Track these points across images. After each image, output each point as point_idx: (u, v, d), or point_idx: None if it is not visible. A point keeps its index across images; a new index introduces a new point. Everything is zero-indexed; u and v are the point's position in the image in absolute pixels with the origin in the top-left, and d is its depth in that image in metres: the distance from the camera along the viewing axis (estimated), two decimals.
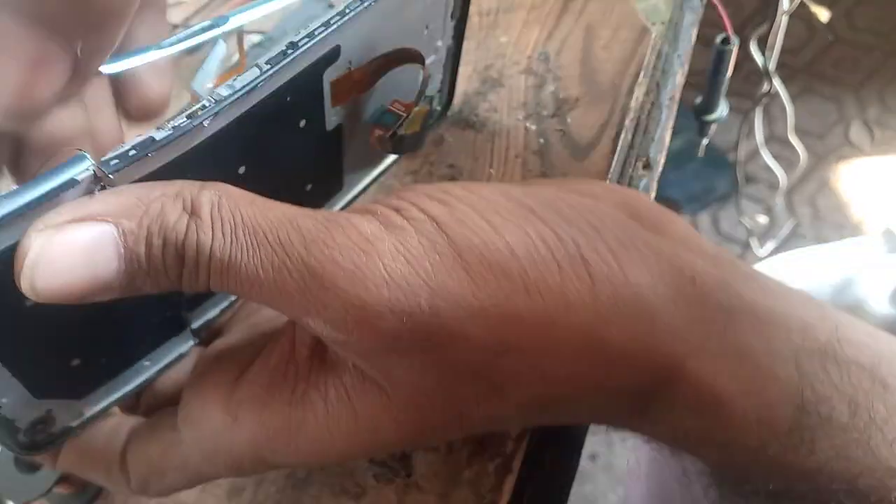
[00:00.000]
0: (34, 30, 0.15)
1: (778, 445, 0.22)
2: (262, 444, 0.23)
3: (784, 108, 0.97)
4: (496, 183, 0.23)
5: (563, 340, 0.21)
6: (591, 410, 0.23)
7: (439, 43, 0.32)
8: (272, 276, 0.20)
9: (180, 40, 0.23)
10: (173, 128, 0.20)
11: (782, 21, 0.74)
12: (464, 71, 0.48)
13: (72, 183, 0.18)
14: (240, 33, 0.23)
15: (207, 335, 0.29)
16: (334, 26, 0.24)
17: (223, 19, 0.24)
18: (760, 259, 1.42)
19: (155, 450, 0.26)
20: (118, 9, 0.17)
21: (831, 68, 1.74)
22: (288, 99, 0.25)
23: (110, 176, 0.19)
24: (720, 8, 0.48)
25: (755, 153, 1.57)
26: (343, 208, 0.35)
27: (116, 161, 0.19)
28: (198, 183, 0.20)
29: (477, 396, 0.22)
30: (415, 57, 0.29)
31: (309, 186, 0.31)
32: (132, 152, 0.19)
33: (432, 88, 0.34)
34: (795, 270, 0.52)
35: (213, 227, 0.19)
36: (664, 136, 0.44)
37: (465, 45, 0.50)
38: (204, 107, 0.21)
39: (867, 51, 1.73)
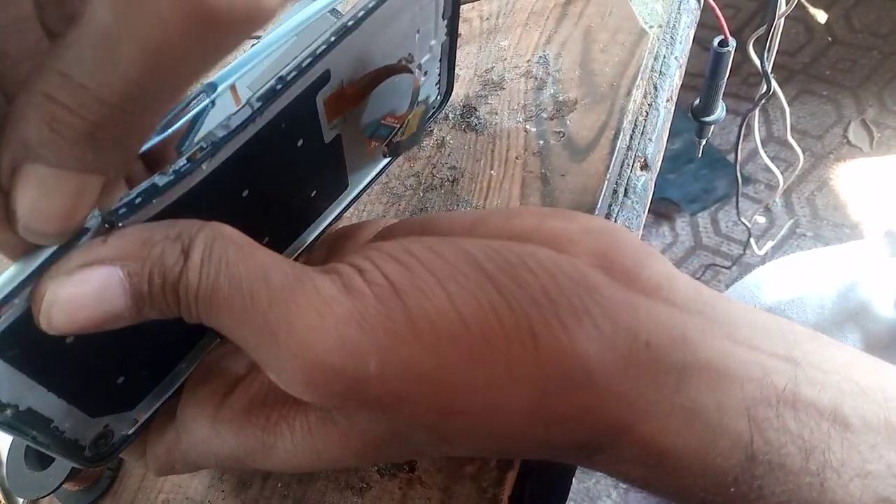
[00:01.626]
0: (72, 173, 0.18)
1: (725, 493, 0.23)
2: (241, 457, 0.26)
3: (782, 110, 0.98)
4: (464, 241, 0.24)
5: (506, 407, 0.22)
6: (540, 455, 0.25)
7: (433, 42, 0.33)
8: (239, 324, 0.21)
9: (173, 121, 0.24)
10: (174, 172, 0.22)
11: (780, 23, 0.75)
12: (465, 74, 0.49)
13: (84, 231, 0.21)
14: (232, 86, 0.23)
15: None
16: (322, 56, 0.25)
17: (212, 87, 0.25)
18: (760, 257, 1.43)
19: (162, 448, 0.29)
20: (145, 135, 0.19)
21: (829, 69, 1.74)
22: (283, 125, 0.26)
23: (119, 224, 0.21)
24: (718, 10, 0.48)
25: (754, 154, 1.58)
26: (350, 204, 0.36)
27: (124, 209, 0.21)
28: (197, 224, 0.22)
29: (428, 444, 0.24)
30: (403, 70, 0.30)
31: (314, 193, 0.32)
32: (137, 200, 0.21)
33: (430, 84, 0.35)
34: (799, 274, 0.53)
35: (200, 271, 0.21)
36: (662, 136, 0.45)
37: (466, 49, 0.51)
38: (202, 149, 0.22)
39: (865, 52, 1.74)
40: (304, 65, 0.24)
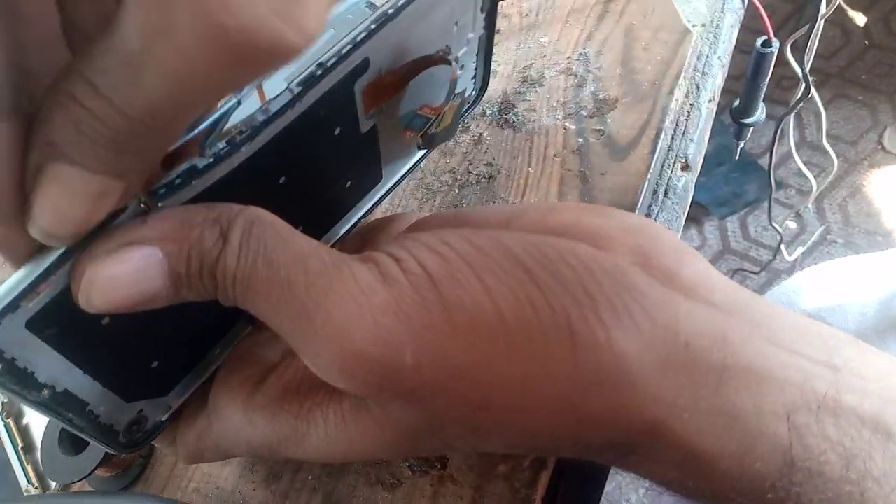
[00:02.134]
0: (92, 175, 0.18)
1: (762, 499, 0.22)
2: (273, 445, 0.26)
3: (817, 114, 0.96)
4: (501, 233, 0.23)
5: (541, 403, 0.22)
6: (573, 453, 0.24)
7: (471, 35, 0.32)
8: (275, 309, 0.21)
9: (199, 121, 0.24)
10: (213, 155, 0.22)
11: (820, 25, 0.74)
12: (503, 70, 0.49)
13: (121, 210, 0.21)
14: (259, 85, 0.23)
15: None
16: (362, 44, 0.24)
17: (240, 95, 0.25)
18: (789, 263, 1.41)
19: (192, 435, 0.29)
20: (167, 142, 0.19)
21: (866, 74, 1.71)
22: (321, 113, 0.25)
23: (158, 205, 0.21)
24: (762, 10, 0.48)
25: (786, 158, 1.56)
26: (383, 197, 0.35)
27: (164, 190, 0.21)
28: (236, 207, 0.22)
29: (461, 438, 0.24)
30: (441, 61, 0.30)
31: (348, 184, 0.32)
32: (177, 181, 0.21)
33: (466, 77, 0.35)
34: (839, 281, 0.52)
35: (238, 255, 0.21)
36: (703, 137, 0.44)
37: (505, 45, 0.50)
38: (241, 132, 0.22)
39: None
40: (343, 52, 0.24)
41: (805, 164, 0.91)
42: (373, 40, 0.25)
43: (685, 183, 0.43)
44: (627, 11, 0.47)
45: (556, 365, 0.21)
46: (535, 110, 0.46)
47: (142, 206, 0.21)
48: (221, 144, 0.22)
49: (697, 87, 0.45)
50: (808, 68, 0.60)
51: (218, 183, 0.23)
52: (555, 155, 0.43)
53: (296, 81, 0.23)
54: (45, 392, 0.22)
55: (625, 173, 0.41)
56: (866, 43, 1.75)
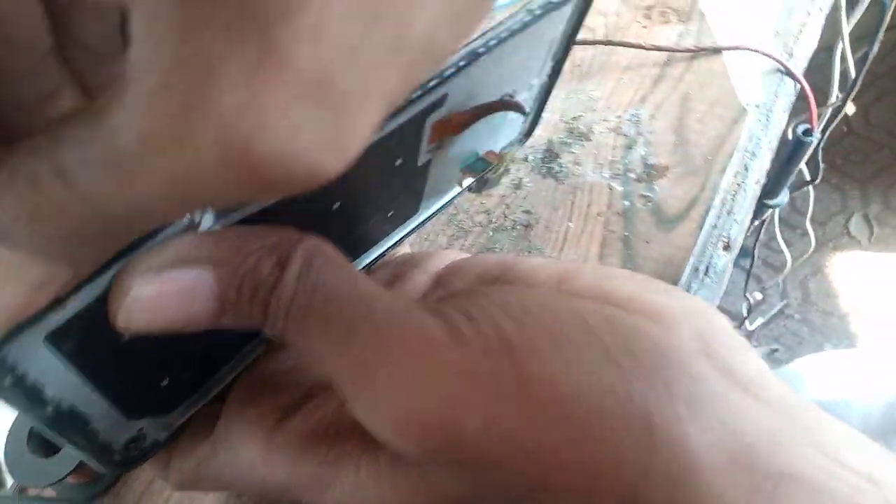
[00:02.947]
0: (38, 261, 0.15)
1: None
2: (289, 489, 0.24)
3: (804, 196, 0.98)
4: (576, 301, 0.22)
5: (605, 491, 0.21)
6: None
7: (535, 81, 0.32)
8: (331, 352, 0.20)
9: None
10: None
11: (826, 114, 0.75)
12: (549, 118, 0.48)
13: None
14: None
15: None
16: (449, 79, 0.24)
17: None
18: (747, 331, 1.44)
19: (191, 463, 0.27)
20: (139, 228, 0.16)
21: (841, 159, 1.77)
22: (393, 142, 0.25)
23: (211, 221, 0.20)
24: (811, 100, 0.48)
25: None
26: (414, 230, 0.35)
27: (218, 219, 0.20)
28: (296, 235, 0.20)
29: None
30: (517, 107, 0.29)
31: (390, 213, 0.31)
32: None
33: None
34: (843, 374, 0.52)
35: (296, 287, 0.19)
36: (746, 218, 0.44)
37: (554, 94, 0.49)
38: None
39: (878, 148, 1.77)
40: (430, 85, 0.23)
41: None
42: (457, 77, 0.24)
43: (725, 263, 0.42)
44: (685, 80, 0.47)
45: (630, 454, 0.20)
46: (580, 164, 0.45)
47: (192, 219, 0.20)
48: None
49: (746, 168, 0.44)
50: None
51: (274, 205, 0.21)
52: (598, 214, 0.42)
53: None
54: (50, 409, 0.20)
55: (670, 245, 0.40)
56: (845, 129, 1.81)
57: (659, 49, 0.48)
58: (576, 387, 0.20)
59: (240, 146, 0.12)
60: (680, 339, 0.23)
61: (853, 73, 0.65)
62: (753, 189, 0.44)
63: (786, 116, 0.48)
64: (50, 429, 0.20)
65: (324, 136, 0.13)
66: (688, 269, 0.40)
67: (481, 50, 0.24)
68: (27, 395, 0.19)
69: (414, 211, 0.34)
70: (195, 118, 0.11)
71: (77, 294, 0.18)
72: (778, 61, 0.47)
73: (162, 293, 0.18)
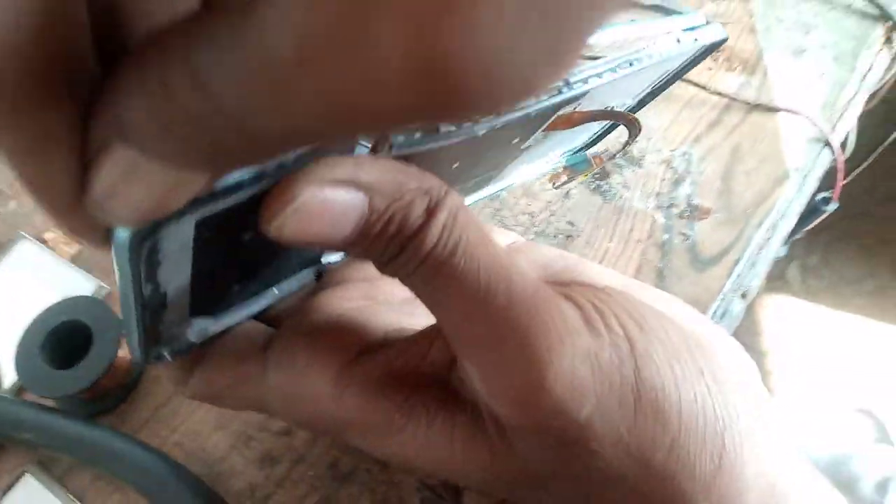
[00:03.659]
0: (166, 165, 0.14)
1: None
2: (352, 429, 0.24)
3: None
4: (679, 321, 0.24)
5: (669, 498, 0.22)
6: None
7: (629, 101, 0.33)
8: (464, 310, 0.20)
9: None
10: (454, 127, 0.21)
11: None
12: (607, 137, 0.49)
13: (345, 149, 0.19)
14: None
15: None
16: (600, 77, 0.24)
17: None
18: None
19: (225, 379, 0.25)
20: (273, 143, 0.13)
21: None
22: (528, 121, 0.25)
23: (384, 151, 0.20)
24: (841, 173, 0.51)
25: None
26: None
27: (402, 140, 0.20)
28: (445, 186, 0.20)
29: (568, 499, 0.23)
30: (630, 122, 0.30)
31: (471, 183, 0.32)
32: (417, 135, 0.20)
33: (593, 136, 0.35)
34: (795, 430, 0.56)
35: (440, 236, 0.19)
36: (763, 273, 0.47)
37: None
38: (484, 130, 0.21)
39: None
40: (587, 78, 0.24)
41: None
42: (610, 79, 0.24)
43: (739, 310, 0.45)
44: (739, 130, 0.49)
45: (700, 472, 0.22)
46: (628, 188, 0.46)
47: (364, 146, 0.19)
48: (451, 127, 0.21)
49: (775, 227, 0.47)
50: None
51: (424, 153, 0.21)
52: (638, 240, 0.44)
53: (578, 79, 0.23)
54: (150, 289, 0.19)
55: (701, 286, 0.42)
56: None
57: (720, 94, 0.50)
58: (679, 401, 0.22)
59: (439, 50, 0.09)
60: (740, 372, 0.25)
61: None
62: (776, 247, 0.47)
63: (817, 184, 0.50)
64: (135, 306, 0.20)
65: (542, 45, 0.10)
66: (709, 312, 0.42)
67: (634, 62, 0.25)
68: (148, 267, 0.18)
69: (486, 184, 0.34)
70: (376, 14, 0.09)
71: (235, 193, 0.17)
72: (824, 132, 0.49)
73: (321, 208, 0.18)
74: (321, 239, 0.19)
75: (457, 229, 0.19)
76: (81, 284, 0.45)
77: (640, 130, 0.30)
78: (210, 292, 0.23)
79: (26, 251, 0.46)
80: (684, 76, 0.31)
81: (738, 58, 0.52)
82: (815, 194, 0.56)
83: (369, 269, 0.26)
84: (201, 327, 0.24)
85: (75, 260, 0.47)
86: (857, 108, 0.53)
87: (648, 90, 0.32)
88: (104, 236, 0.16)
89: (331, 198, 0.18)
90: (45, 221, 0.48)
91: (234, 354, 0.25)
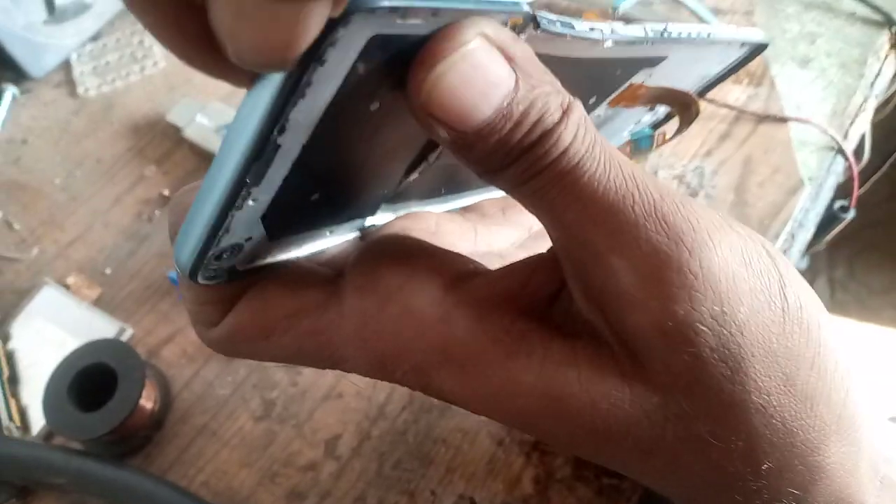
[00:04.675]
0: None
1: None
2: (450, 360, 0.20)
3: None
4: None
5: (808, 427, 0.20)
6: None
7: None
8: (612, 197, 0.18)
9: None
10: (590, 28, 0.20)
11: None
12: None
13: (511, 6, 0.17)
14: None
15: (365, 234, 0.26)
16: (681, 41, 0.23)
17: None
18: None
19: (283, 305, 0.21)
20: None
21: None
22: (611, 69, 0.24)
23: (536, 31, 0.18)
24: (856, 180, 0.50)
25: None
26: None
27: (545, 22, 0.19)
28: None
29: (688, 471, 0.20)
30: (690, 105, 0.29)
31: None
32: (559, 24, 0.19)
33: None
34: None
35: (577, 132, 0.18)
36: None
37: None
38: (612, 31, 0.20)
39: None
40: (670, 35, 0.22)
41: None
42: (683, 47, 0.24)
43: None
44: (749, 142, 0.49)
45: (836, 397, 0.20)
46: None
47: (510, 25, 0.18)
48: (587, 28, 0.20)
49: (793, 237, 0.46)
50: None
51: (546, 57, 0.20)
52: None
53: (652, 27, 0.22)
54: (272, 144, 0.17)
55: None
56: None
57: (729, 107, 0.50)
58: (818, 313, 0.20)
59: None
60: None
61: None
62: (796, 257, 0.47)
63: (832, 193, 0.50)
64: (222, 198, 0.18)
65: None
66: None
67: (711, 34, 0.24)
68: (271, 128, 0.16)
69: None
70: None
71: (405, 16, 0.16)
72: (835, 140, 0.49)
73: (475, 74, 0.17)
74: (460, 114, 0.17)
75: (590, 128, 0.18)
76: (104, 327, 0.46)
77: (697, 114, 0.29)
78: (286, 205, 0.20)
79: (49, 296, 0.47)
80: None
81: (745, 70, 0.52)
82: (832, 203, 0.56)
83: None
84: (255, 247, 0.21)
85: (97, 303, 0.48)
86: (868, 114, 0.53)
87: (696, 90, 0.32)
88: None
89: (485, 63, 0.17)
90: (68, 266, 0.49)
91: (295, 281, 0.22)
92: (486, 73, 0.17)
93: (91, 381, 0.41)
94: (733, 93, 0.51)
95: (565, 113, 0.18)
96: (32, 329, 0.46)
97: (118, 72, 0.61)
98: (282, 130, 0.16)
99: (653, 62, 0.25)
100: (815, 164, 0.49)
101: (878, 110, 0.60)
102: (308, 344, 0.21)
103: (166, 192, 0.53)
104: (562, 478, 0.38)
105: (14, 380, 0.44)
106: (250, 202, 0.18)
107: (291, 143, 0.17)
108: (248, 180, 0.17)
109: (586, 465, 0.39)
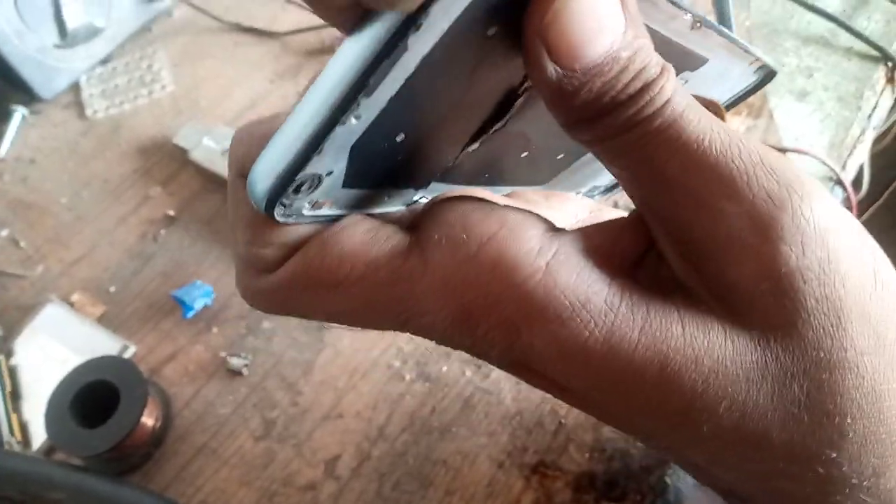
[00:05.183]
0: None
1: None
2: (543, 315, 0.19)
3: None
4: None
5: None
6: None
7: None
8: (719, 146, 0.17)
9: None
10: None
11: None
12: None
13: None
14: None
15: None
16: (729, 38, 0.23)
17: None
18: None
19: (361, 250, 0.20)
20: None
21: None
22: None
23: None
24: (854, 211, 0.51)
25: None
26: None
27: None
28: None
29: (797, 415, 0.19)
30: (717, 115, 0.29)
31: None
32: None
33: None
34: None
35: (676, 87, 0.18)
36: None
37: None
38: (693, 15, 0.21)
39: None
40: (715, 28, 0.22)
41: None
42: (723, 51, 0.24)
43: None
44: None
45: None
46: None
47: None
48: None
49: None
50: None
51: None
52: None
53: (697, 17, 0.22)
54: (369, 87, 0.17)
55: None
56: None
57: None
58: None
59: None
60: None
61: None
62: None
63: None
64: (373, 53, 0.17)
65: None
66: None
67: (744, 42, 0.24)
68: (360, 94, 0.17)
69: (541, 181, 0.33)
70: None
71: None
72: (833, 171, 0.50)
73: (593, 9, 0.17)
74: (576, 46, 0.17)
75: (686, 94, 0.18)
76: (107, 344, 0.46)
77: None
78: (372, 144, 0.19)
79: (54, 313, 0.47)
80: None
81: (744, 102, 0.53)
82: None
83: None
84: (327, 189, 0.20)
85: (101, 321, 0.48)
86: (866, 145, 0.54)
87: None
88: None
89: (601, 2, 0.17)
90: (72, 284, 0.50)
91: (371, 228, 0.20)
92: (604, 9, 0.17)
93: (93, 397, 0.41)
94: (733, 123, 0.52)
95: (664, 69, 0.17)
96: (36, 345, 0.46)
97: (126, 94, 0.62)
98: (417, 27, 0.16)
99: (696, 63, 0.25)
100: None
101: (876, 141, 0.61)
102: (383, 295, 0.20)
103: (171, 213, 0.53)
104: (561, 501, 0.38)
105: (16, 395, 0.44)
106: (353, 120, 0.18)
107: (415, 51, 0.17)
108: (370, 82, 0.16)
109: (586, 489, 0.39)
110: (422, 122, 0.21)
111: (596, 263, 0.19)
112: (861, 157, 0.54)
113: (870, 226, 0.20)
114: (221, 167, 0.54)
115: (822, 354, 0.18)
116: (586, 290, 0.19)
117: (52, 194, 0.56)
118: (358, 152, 0.19)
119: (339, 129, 0.17)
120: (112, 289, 0.50)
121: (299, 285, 0.20)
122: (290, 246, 0.20)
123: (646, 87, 0.17)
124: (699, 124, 0.17)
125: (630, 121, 0.17)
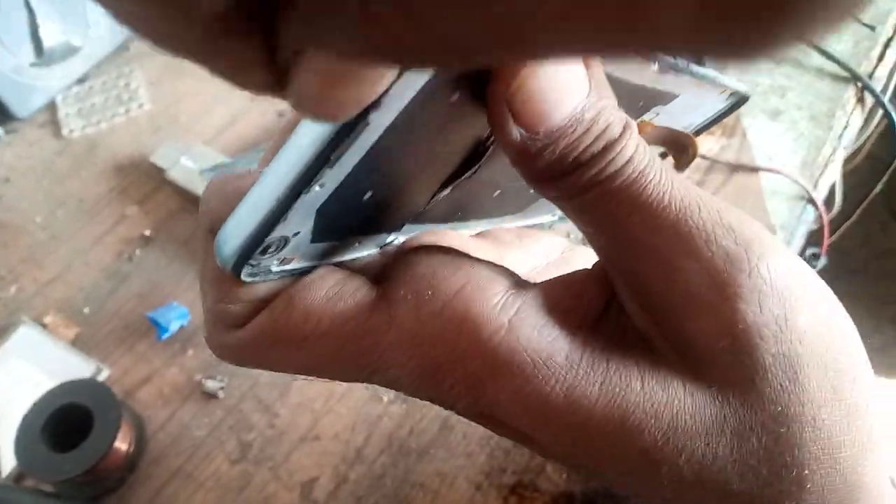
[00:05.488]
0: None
1: None
2: (505, 372, 0.19)
3: None
4: None
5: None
6: None
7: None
8: (678, 205, 0.18)
9: None
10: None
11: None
12: None
13: None
14: None
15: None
16: (685, 76, 0.24)
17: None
18: None
19: (326, 304, 0.20)
20: None
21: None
22: (640, 105, 0.25)
23: None
24: (826, 229, 0.52)
25: None
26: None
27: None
28: None
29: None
30: (688, 147, 0.30)
31: (497, 194, 0.32)
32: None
33: None
34: None
35: (638, 145, 0.18)
36: None
37: None
38: (659, 64, 0.21)
39: None
40: (689, 69, 0.23)
41: None
42: (694, 85, 0.24)
43: None
44: (722, 191, 0.50)
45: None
46: None
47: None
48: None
49: None
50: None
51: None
52: None
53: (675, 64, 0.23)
54: (332, 159, 0.17)
55: None
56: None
57: (702, 157, 0.51)
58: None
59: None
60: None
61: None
62: None
63: (803, 240, 0.51)
64: (290, 187, 0.18)
65: None
66: None
67: (717, 77, 0.25)
68: (334, 148, 0.17)
69: (516, 210, 0.33)
70: None
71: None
72: (805, 189, 0.51)
73: (557, 77, 0.17)
74: (540, 113, 0.17)
75: (649, 153, 0.18)
76: (80, 367, 0.45)
77: (694, 157, 0.30)
78: (339, 202, 0.19)
79: (26, 335, 0.47)
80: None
81: None
82: (803, 251, 0.57)
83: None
84: (299, 247, 0.20)
85: (75, 343, 0.47)
86: (837, 164, 0.55)
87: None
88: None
89: (571, 66, 0.18)
90: (46, 305, 0.49)
91: (338, 282, 0.20)
92: (569, 77, 0.17)
93: (66, 421, 0.40)
94: (707, 143, 0.53)
95: (626, 127, 0.18)
96: (7, 368, 0.46)
97: (103, 113, 0.62)
98: (376, 106, 0.16)
99: (667, 99, 0.25)
100: (786, 213, 0.50)
101: (848, 160, 0.62)
102: (349, 348, 0.20)
103: (148, 233, 0.53)
104: None
105: None
106: (317, 187, 0.18)
107: (377, 124, 0.17)
108: (331, 157, 0.17)
109: None
110: (389, 179, 0.21)
111: (557, 320, 0.20)
112: (833, 175, 0.55)
113: (842, 244, 0.21)
114: (199, 187, 0.53)
115: (779, 409, 0.18)
116: (548, 346, 0.19)
117: (26, 213, 0.55)
118: (325, 212, 0.20)
119: (304, 197, 0.18)
120: (86, 310, 0.49)
121: (267, 341, 0.20)
122: (257, 302, 0.20)
123: (608, 147, 0.17)
124: (660, 182, 0.18)
125: (592, 180, 0.18)
